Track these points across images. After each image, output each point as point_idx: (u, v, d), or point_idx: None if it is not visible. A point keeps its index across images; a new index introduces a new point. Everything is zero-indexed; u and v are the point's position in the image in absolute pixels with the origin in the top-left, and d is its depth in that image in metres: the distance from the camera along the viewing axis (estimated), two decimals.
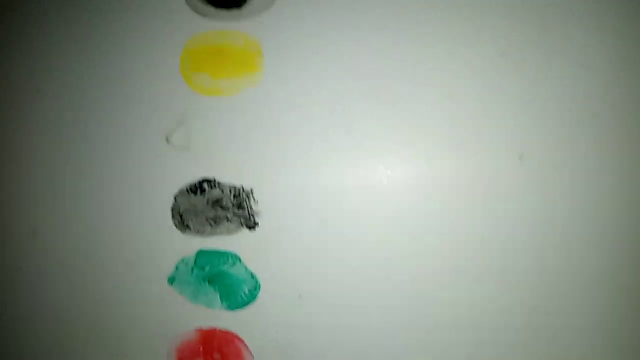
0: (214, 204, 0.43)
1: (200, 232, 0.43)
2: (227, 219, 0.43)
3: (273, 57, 0.43)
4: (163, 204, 0.43)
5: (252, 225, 0.43)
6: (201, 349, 0.44)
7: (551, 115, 0.42)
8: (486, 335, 0.43)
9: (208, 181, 0.43)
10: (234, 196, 0.43)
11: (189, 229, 0.43)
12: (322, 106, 0.43)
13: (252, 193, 0.43)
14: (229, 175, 0.43)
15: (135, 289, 0.44)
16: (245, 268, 0.43)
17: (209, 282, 0.43)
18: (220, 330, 0.44)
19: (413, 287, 0.43)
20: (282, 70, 0.43)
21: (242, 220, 0.43)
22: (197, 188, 0.43)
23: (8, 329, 0.45)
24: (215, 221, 0.43)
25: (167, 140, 0.43)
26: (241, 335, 0.44)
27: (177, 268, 0.43)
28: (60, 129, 0.44)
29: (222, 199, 0.43)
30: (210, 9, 0.44)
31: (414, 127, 0.43)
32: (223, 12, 0.44)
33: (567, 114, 0.42)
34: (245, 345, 0.44)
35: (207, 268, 0.43)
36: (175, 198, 0.43)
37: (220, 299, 0.43)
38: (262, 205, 0.43)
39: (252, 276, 0.43)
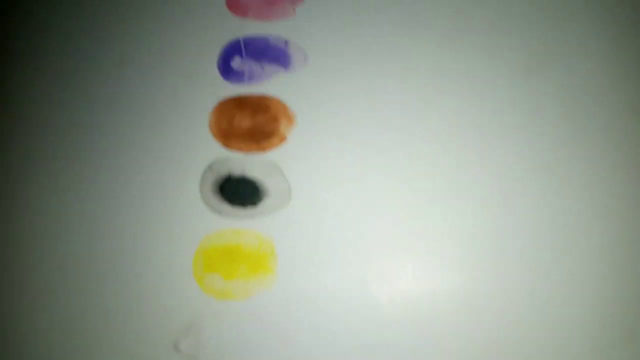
0: None
1: None
2: None
3: (287, 259, 0.42)
4: None
5: None
6: None
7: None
8: None
9: None
10: None
11: None
12: (338, 312, 0.41)
13: None
14: None
15: None
16: None
17: None
18: None
19: None
20: (296, 275, 0.41)
21: None
22: None
23: None
24: None
25: (175, 348, 0.41)
26: None
27: None
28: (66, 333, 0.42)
29: None
30: (226, 207, 0.43)
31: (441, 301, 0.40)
32: (239, 210, 0.43)
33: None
34: None
35: None
36: None
37: None
38: None
39: None
